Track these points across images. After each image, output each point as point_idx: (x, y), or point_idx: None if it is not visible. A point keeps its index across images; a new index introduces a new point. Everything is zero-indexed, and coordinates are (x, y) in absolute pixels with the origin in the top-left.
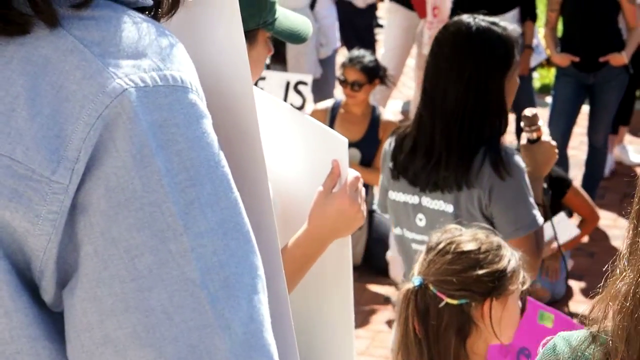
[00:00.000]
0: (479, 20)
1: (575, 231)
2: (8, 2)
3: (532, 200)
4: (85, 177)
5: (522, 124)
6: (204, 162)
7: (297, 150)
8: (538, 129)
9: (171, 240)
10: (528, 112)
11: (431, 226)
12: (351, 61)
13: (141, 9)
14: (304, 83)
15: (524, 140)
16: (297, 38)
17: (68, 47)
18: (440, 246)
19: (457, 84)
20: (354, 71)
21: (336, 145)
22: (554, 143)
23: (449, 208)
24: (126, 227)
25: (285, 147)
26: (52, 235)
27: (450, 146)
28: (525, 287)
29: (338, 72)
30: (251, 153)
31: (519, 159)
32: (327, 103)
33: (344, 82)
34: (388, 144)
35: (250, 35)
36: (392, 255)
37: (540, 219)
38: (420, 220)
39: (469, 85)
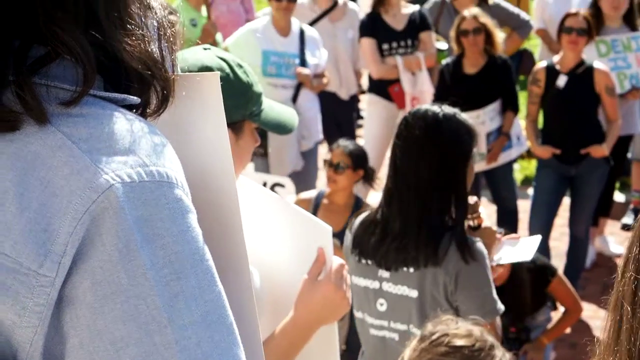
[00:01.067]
0: (445, 108)
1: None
2: None
3: (493, 285)
4: (72, 271)
5: None
6: (188, 256)
7: (283, 238)
8: (479, 216)
9: (156, 333)
10: (470, 200)
11: (392, 311)
12: (339, 145)
13: (129, 107)
14: (281, 185)
15: (466, 227)
16: (284, 129)
17: (57, 143)
18: (434, 337)
19: (428, 167)
20: (339, 153)
21: (321, 233)
22: (495, 228)
23: (413, 293)
24: (112, 319)
25: (271, 234)
26: (39, 328)
27: (419, 226)
28: None
29: (325, 157)
30: (234, 247)
31: (481, 245)
32: (311, 193)
33: (328, 163)
34: (349, 229)
35: (236, 126)
36: None
37: (501, 305)
38: (382, 305)
39: (439, 168)
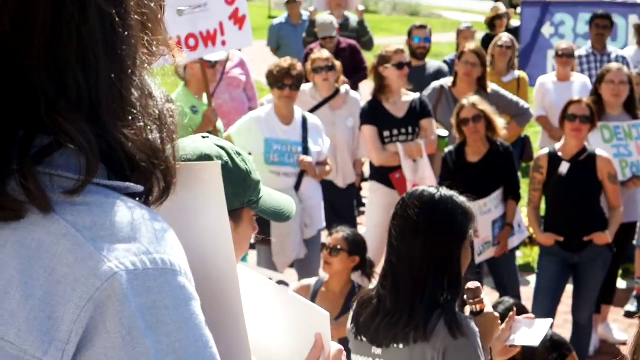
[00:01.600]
0: (442, 189)
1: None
2: (2, 190)
3: None
4: (76, 358)
5: (465, 297)
6: (192, 343)
7: (281, 324)
8: (481, 302)
9: None
10: (471, 284)
11: None
12: (337, 230)
13: (132, 195)
14: (285, 284)
15: (467, 313)
16: (281, 216)
17: (61, 231)
18: None
19: (422, 247)
20: (336, 237)
21: (319, 319)
22: (496, 314)
23: (404, 352)
24: None
25: (269, 320)
26: None
27: (412, 304)
28: None
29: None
30: (236, 333)
31: (472, 324)
32: (311, 281)
33: (324, 247)
34: (352, 310)
35: (235, 214)
36: None
37: None
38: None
39: (432, 248)
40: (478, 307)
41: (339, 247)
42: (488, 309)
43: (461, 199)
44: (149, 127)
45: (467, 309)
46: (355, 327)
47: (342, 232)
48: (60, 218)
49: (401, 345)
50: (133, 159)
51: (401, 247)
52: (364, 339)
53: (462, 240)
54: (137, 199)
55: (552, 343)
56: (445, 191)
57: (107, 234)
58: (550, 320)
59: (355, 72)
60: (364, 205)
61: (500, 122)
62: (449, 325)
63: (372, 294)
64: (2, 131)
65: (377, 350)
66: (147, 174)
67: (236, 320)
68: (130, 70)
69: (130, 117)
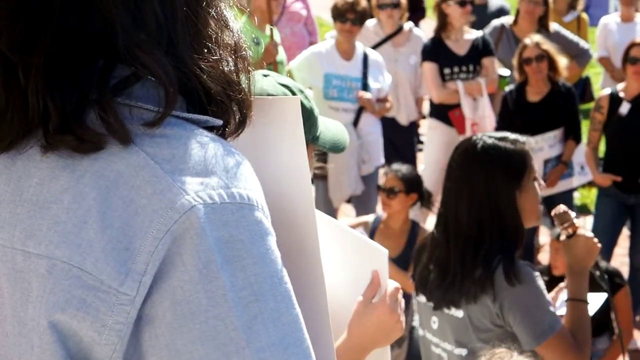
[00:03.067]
0: (486, 137)
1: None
2: (83, 122)
3: (547, 304)
4: (152, 290)
5: (555, 223)
6: (267, 278)
7: (338, 260)
8: (572, 224)
9: (234, 354)
10: (556, 210)
11: (441, 330)
12: (391, 169)
13: (210, 128)
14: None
15: (562, 238)
16: (338, 148)
17: (140, 163)
18: None
19: (469, 203)
20: (391, 178)
21: (376, 256)
22: (590, 234)
23: (459, 313)
24: (190, 339)
25: (326, 257)
26: (117, 345)
27: (464, 267)
28: None
29: (380, 182)
30: (311, 270)
31: (528, 268)
32: (369, 217)
33: (381, 189)
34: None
35: None
36: None
37: (557, 322)
38: (434, 322)
39: (480, 203)
40: (570, 230)
41: (396, 189)
42: (581, 230)
43: (510, 138)
44: (224, 60)
45: (562, 236)
46: (414, 274)
47: (396, 171)
48: (140, 150)
49: (460, 300)
50: (209, 91)
51: (451, 206)
52: (423, 289)
53: (516, 184)
54: (215, 131)
55: (607, 272)
56: (487, 139)
57: (185, 167)
58: (604, 295)
59: (413, 11)
60: (422, 142)
61: (562, 62)
62: (506, 273)
63: (426, 247)
64: (82, 60)
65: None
66: (223, 107)
67: (312, 257)
68: (205, 2)
69: (205, 50)
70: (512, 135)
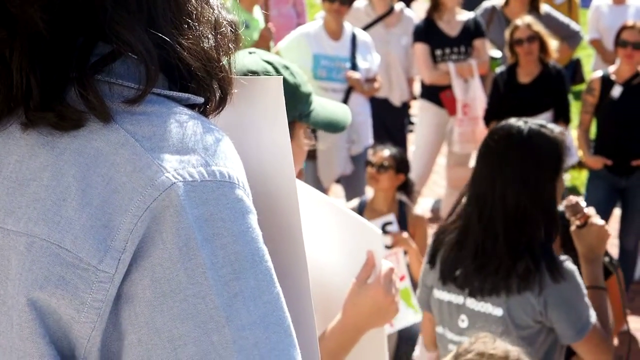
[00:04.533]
0: (530, 123)
1: None
2: (63, 100)
3: (586, 299)
4: (132, 268)
5: (566, 214)
6: (248, 256)
7: (333, 240)
8: (583, 215)
9: (214, 332)
10: (568, 202)
11: (473, 328)
12: (383, 147)
13: (191, 106)
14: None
15: (573, 227)
16: (335, 127)
17: (120, 140)
18: (469, 356)
19: (515, 188)
20: (381, 155)
21: (371, 237)
22: (601, 222)
23: (498, 312)
24: (170, 317)
25: (321, 237)
26: (97, 323)
27: (504, 251)
28: None
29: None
30: (293, 249)
31: (569, 263)
32: (353, 202)
33: (370, 164)
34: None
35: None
36: (419, 355)
37: (594, 315)
38: (463, 321)
39: (527, 188)
40: (582, 220)
41: (386, 163)
42: (592, 219)
43: (549, 127)
44: (204, 36)
45: (573, 226)
46: (441, 265)
47: (388, 149)
48: (120, 127)
49: (501, 295)
50: (188, 68)
51: (494, 190)
52: (451, 282)
53: (558, 173)
54: (196, 109)
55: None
56: (531, 124)
57: (165, 145)
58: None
59: None
60: (413, 124)
61: (553, 44)
62: (549, 268)
63: (454, 234)
64: (62, 37)
65: (468, 297)
66: (204, 84)
67: (294, 236)
68: None
69: (186, 26)
70: (550, 124)
